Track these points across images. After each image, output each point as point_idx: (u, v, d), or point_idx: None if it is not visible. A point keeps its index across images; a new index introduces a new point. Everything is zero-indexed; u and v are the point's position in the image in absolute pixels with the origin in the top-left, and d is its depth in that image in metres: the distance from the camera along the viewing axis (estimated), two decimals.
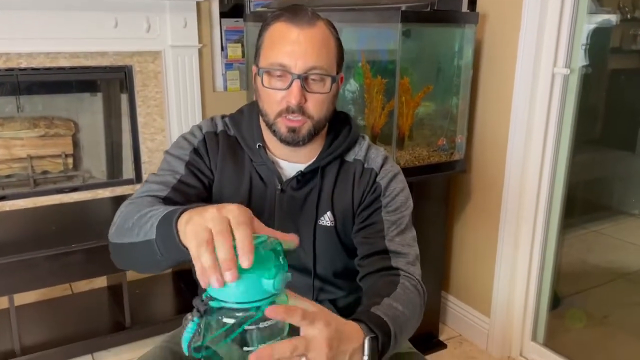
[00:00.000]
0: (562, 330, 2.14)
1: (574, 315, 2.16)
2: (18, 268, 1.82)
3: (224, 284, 0.64)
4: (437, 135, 2.09)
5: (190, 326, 0.68)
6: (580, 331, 2.14)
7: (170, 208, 0.80)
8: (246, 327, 0.66)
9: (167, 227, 0.76)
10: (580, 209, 2.11)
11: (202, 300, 0.68)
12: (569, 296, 2.15)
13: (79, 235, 1.96)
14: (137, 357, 2.03)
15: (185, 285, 2.40)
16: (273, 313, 0.65)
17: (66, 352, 2.00)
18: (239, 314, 0.66)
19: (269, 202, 1.07)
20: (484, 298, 2.18)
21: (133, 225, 0.87)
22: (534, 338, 2.13)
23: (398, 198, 1.08)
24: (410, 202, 1.11)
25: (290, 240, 0.73)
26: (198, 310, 0.68)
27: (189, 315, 0.68)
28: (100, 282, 2.44)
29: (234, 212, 0.67)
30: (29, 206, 2.41)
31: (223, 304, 0.66)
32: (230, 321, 0.66)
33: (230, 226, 0.66)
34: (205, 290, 0.68)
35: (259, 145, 1.07)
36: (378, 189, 1.08)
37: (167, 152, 1.09)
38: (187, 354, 0.68)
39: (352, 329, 0.77)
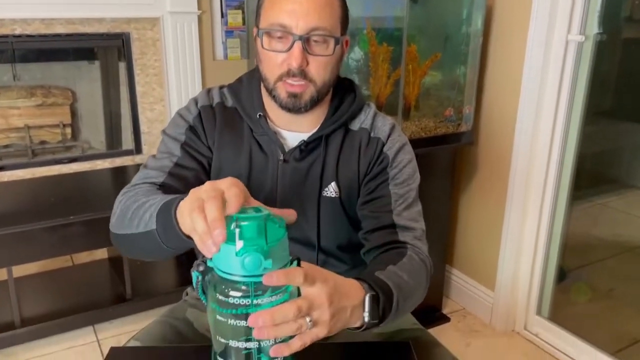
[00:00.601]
0: (567, 304, 2.12)
1: (579, 289, 2.14)
2: (16, 240, 1.79)
3: (219, 247, 0.62)
4: (444, 106, 2.03)
5: (193, 274, 0.69)
6: (585, 305, 2.12)
7: (168, 197, 0.80)
8: (255, 301, 0.64)
9: (167, 216, 0.76)
10: (587, 181, 2.06)
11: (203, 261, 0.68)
12: (574, 270, 2.12)
13: (78, 207, 1.92)
14: (138, 328, 2.02)
15: (187, 258, 2.37)
16: (271, 279, 0.62)
17: (67, 324, 1.99)
18: (245, 288, 0.64)
19: (271, 174, 1.02)
20: (489, 272, 2.16)
21: (132, 216, 0.85)
22: (539, 312, 2.11)
23: (406, 170, 1.04)
24: (418, 175, 1.07)
25: (288, 215, 0.71)
26: (198, 267, 0.69)
27: (194, 264, 0.69)
28: (101, 253, 2.42)
29: (226, 181, 0.67)
30: (28, 177, 2.37)
31: (226, 275, 0.64)
32: (237, 294, 0.64)
33: (222, 193, 0.65)
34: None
35: (259, 115, 1.02)
36: (385, 160, 1.03)
37: (164, 131, 1.06)
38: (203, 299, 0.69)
39: (352, 285, 0.75)
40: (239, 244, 0.63)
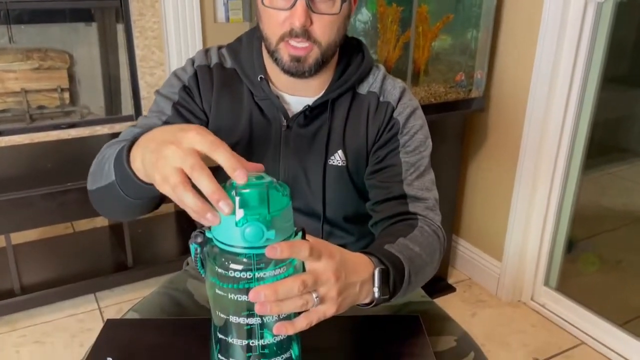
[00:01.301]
0: (575, 275, 2.08)
1: (587, 259, 2.10)
2: (14, 206, 1.75)
3: (220, 218, 0.58)
4: (454, 71, 1.95)
5: (191, 246, 0.65)
6: (593, 276, 2.08)
7: (123, 144, 0.73)
8: (257, 274, 0.59)
9: (122, 167, 0.71)
10: (597, 149, 2.00)
11: (201, 232, 0.64)
12: (582, 240, 2.08)
13: (77, 173, 1.87)
14: (140, 297, 2.00)
15: (188, 225, 2.34)
16: (275, 252, 0.57)
17: (68, 292, 1.97)
18: (246, 260, 0.59)
19: (274, 141, 0.96)
20: (496, 242, 2.11)
21: (97, 169, 0.82)
22: (546, 283, 2.08)
23: (417, 136, 0.98)
24: (430, 142, 1.01)
25: (259, 170, 0.64)
26: (196, 238, 0.64)
27: (192, 234, 0.65)
28: (102, 220, 2.38)
29: (196, 138, 0.60)
30: (26, 142, 2.32)
31: (226, 247, 0.59)
32: (238, 267, 0.59)
33: (195, 151, 0.59)
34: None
35: (260, 78, 0.96)
36: (395, 125, 0.97)
37: (157, 91, 0.99)
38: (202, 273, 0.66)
39: (360, 260, 0.71)
40: (239, 213, 0.57)
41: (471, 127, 2.12)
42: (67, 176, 1.85)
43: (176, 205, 2.52)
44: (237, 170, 0.57)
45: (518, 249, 2.04)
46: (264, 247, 0.58)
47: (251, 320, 0.62)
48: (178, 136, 0.60)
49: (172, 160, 0.59)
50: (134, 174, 0.69)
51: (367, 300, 0.72)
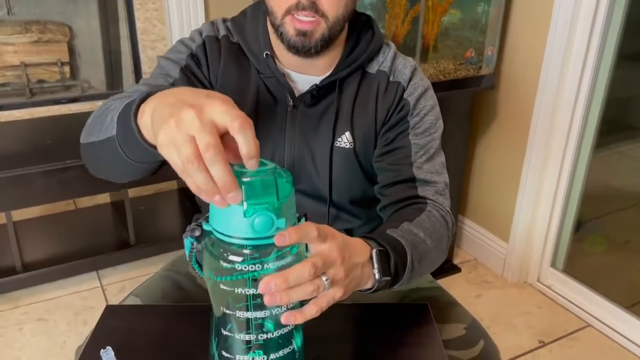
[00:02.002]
0: (582, 256, 2.06)
1: (594, 240, 2.07)
2: (13, 184, 1.72)
3: (227, 204, 0.54)
4: (463, 47, 1.89)
5: (187, 241, 0.62)
6: (600, 257, 2.06)
7: (134, 97, 0.65)
8: (264, 265, 0.56)
9: (127, 121, 0.63)
10: (609, 128, 1.95)
11: (198, 224, 0.61)
12: (589, 221, 2.04)
13: (77, 150, 1.83)
14: (143, 275, 1.99)
15: (191, 203, 2.31)
16: (284, 239, 0.54)
17: (70, 269, 1.96)
18: (248, 252, 0.56)
19: (279, 121, 0.92)
20: (503, 222, 2.08)
21: (96, 122, 0.75)
22: (553, 264, 2.05)
23: (427, 118, 0.94)
24: (441, 123, 0.97)
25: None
26: (192, 232, 0.62)
27: (187, 228, 0.62)
28: (104, 197, 2.36)
29: (220, 108, 0.53)
30: (26, 117, 2.28)
31: (228, 239, 0.56)
32: (238, 259, 0.56)
33: (217, 132, 0.53)
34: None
35: (266, 54, 0.91)
36: (406, 106, 0.93)
37: (161, 56, 0.94)
38: (188, 258, 0.63)
39: (357, 242, 0.68)
40: (246, 203, 0.54)
41: (480, 106, 2.07)
42: (67, 153, 1.82)
43: (179, 183, 2.48)
44: (254, 159, 0.54)
45: (525, 230, 2.01)
46: (269, 236, 0.55)
47: (253, 314, 0.59)
48: (201, 101, 0.54)
49: (188, 126, 0.52)
50: (139, 130, 0.62)
51: (369, 285, 0.69)
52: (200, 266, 0.63)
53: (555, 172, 1.91)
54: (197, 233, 0.61)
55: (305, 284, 0.57)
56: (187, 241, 0.62)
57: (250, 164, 0.54)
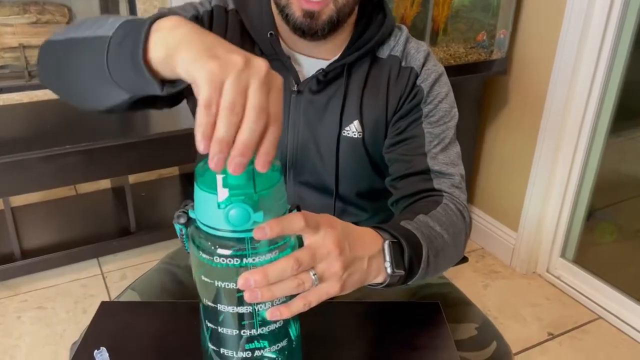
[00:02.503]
0: (593, 246, 2.01)
1: (605, 229, 2.03)
2: (11, 169, 1.68)
3: (223, 166, 0.49)
4: (474, 30, 1.82)
5: (175, 225, 0.61)
6: (611, 248, 2.01)
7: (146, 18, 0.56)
8: (248, 259, 0.52)
9: (136, 26, 0.54)
10: (623, 114, 1.89)
11: (184, 212, 0.59)
12: (600, 209, 1.99)
13: (76, 135, 1.79)
14: (144, 262, 1.96)
15: (193, 189, 2.27)
16: (263, 232, 0.50)
17: (70, 256, 1.92)
18: (233, 244, 0.52)
19: (283, 107, 0.87)
20: (513, 211, 2.03)
21: (85, 22, 0.64)
22: (563, 254, 2.00)
23: (442, 105, 0.89)
24: (456, 111, 0.92)
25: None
26: (179, 218, 0.61)
27: (175, 214, 0.61)
28: (105, 182, 2.32)
29: (265, 65, 0.50)
30: (25, 101, 2.23)
31: (210, 230, 0.52)
32: (225, 252, 0.52)
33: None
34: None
35: (270, 34, 0.86)
36: (419, 93, 0.87)
37: (163, 7, 0.88)
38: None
39: (367, 232, 0.63)
40: (222, 193, 0.50)
41: (491, 91, 2.01)
42: (66, 138, 1.77)
43: (181, 168, 2.42)
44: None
45: (535, 219, 1.96)
46: (252, 230, 0.50)
47: (242, 309, 0.55)
48: (247, 54, 0.50)
49: (252, 74, 0.48)
50: (145, 44, 0.53)
51: (379, 279, 0.63)
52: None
53: (568, 160, 1.85)
54: (183, 220, 0.59)
55: (288, 279, 0.52)
56: (176, 227, 0.60)
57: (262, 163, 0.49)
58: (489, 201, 2.16)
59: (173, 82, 0.55)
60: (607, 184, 1.94)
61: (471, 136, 1.97)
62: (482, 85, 1.90)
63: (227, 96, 0.47)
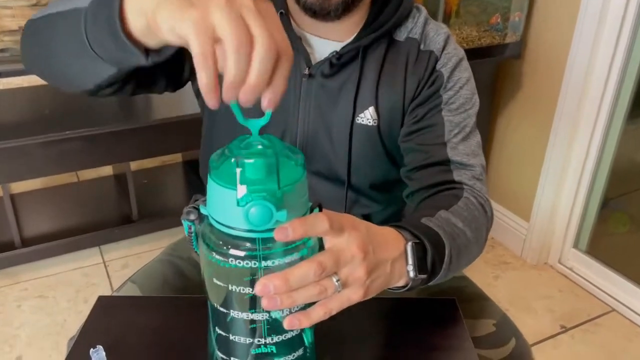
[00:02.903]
0: (607, 236, 1.96)
1: (618, 219, 1.97)
2: (9, 155, 1.64)
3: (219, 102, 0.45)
4: (487, 13, 1.76)
5: (184, 222, 0.56)
6: (625, 238, 1.97)
7: None
8: (264, 263, 0.48)
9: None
10: (637, 101, 1.82)
11: (195, 208, 0.54)
12: (614, 198, 1.93)
13: (77, 121, 1.74)
14: (146, 251, 1.92)
15: (197, 176, 2.22)
16: (285, 233, 0.46)
17: (72, 245, 1.89)
18: (249, 245, 0.48)
19: (292, 92, 0.82)
20: (525, 201, 1.98)
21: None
22: (576, 245, 1.95)
23: (463, 92, 0.83)
24: (477, 98, 0.87)
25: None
26: (188, 215, 0.56)
27: (184, 210, 0.57)
28: (107, 169, 2.27)
29: (249, 3, 0.45)
30: (24, 85, 2.18)
31: (225, 229, 0.48)
32: (240, 253, 0.48)
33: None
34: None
35: (281, 13, 0.80)
36: (439, 79, 0.82)
37: None
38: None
39: (389, 233, 0.59)
40: (242, 189, 0.46)
41: (504, 76, 1.94)
42: (67, 123, 1.72)
43: (184, 155, 2.37)
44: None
45: (548, 208, 1.91)
46: (272, 230, 0.46)
47: (256, 316, 0.51)
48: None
49: (228, 8, 0.43)
50: (121, 10, 0.51)
51: (401, 283, 0.59)
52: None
53: (584, 147, 1.79)
54: (193, 217, 0.54)
55: (309, 286, 0.48)
56: (185, 224, 0.56)
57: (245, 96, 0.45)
58: (500, 190, 2.10)
59: (159, 51, 0.52)
60: (623, 173, 1.88)
61: (482, 122, 1.90)
62: (495, 70, 1.84)
63: (224, 34, 0.43)
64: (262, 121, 0.49)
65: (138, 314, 0.75)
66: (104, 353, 0.65)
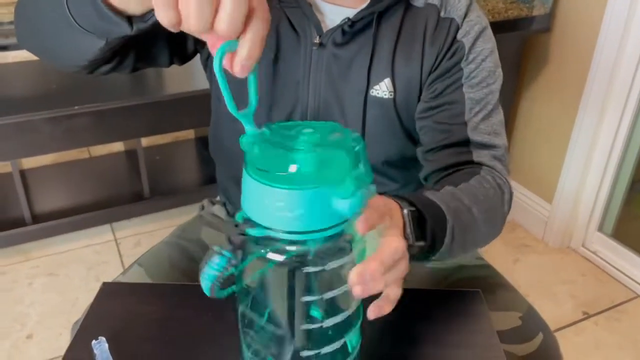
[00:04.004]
0: (633, 219, 1.88)
1: None
2: (18, 130, 1.60)
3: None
4: None
5: (217, 261, 0.45)
6: None
7: None
8: (306, 270, 0.45)
9: None
10: None
11: (237, 226, 0.45)
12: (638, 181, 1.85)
13: (86, 95, 1.70)
14: (158, 229, 1.89)
15: (209, 155, 2.18)
16: (366, 224, 0.44)
17: (83, 222, 1.86)
18: (292, 248, 0.44)
19: (302, 62, 0.76)
20: (548, 182, 1.91)
21: None
22: (601, 228, 1.88)
23: (485, 65, 0.78)
24: (500, 71, 0.81)
25: None
26: (231, 242, 0.45)
27: (215, 247, 0.46)
28: (119, 145, 2.24)
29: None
30: (34, 58, 2.14)
31: (268, 233, 0.43)
32: (279, 258, 0.44)
33: None
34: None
35: None
36: (460, 50, 0.76)
37: None
38: (207, 294, 0.47)
39: (389, 202, 0.57)
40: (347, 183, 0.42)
41: (531, 51, 1.85)
42: (75, 98, 1.68)
43: (196, 131, 2.32)
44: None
45: (573, 190, 1.83)
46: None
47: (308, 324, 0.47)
48: None
49: None
50: None
51: None
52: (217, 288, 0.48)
53: (613, 128, 1.71)
54: (238, 241, 0.45)
55: (399, 262, 0.48)
56: (223, 258, 0.45)
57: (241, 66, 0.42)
58: (522, 170, 2.03)
59: (142, 17, 0.50)
60: None
61: (507, 99, 1.83)
62: (521, 44, 1.75)
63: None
64: (250, 109, 0.44)
65: (143, 301, 0.72)
66: (106, 345, 0.62)
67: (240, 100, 0.43)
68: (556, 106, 1.84)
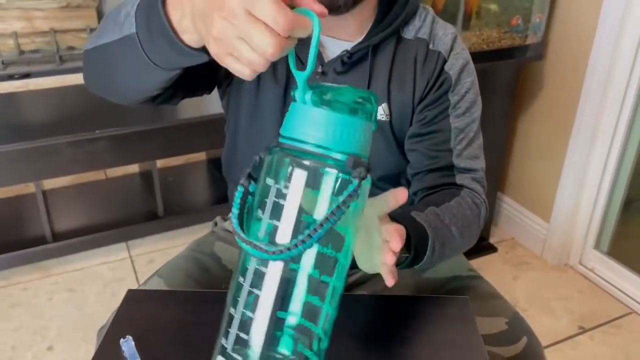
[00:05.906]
0: (629, 238, 1.94)
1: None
2: (41, 154, 1.70)
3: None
4: (508, 14, 1.76)
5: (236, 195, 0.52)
6: None
7: None
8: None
9: (153, 13, 0.58)
10: None
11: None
12: (636, 200, 1.92)
13: (105, 120, 1.80)
14: (172, 247, 1.97)
15: (221, 174, 2.27)
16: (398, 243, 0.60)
17: (99, 240, 1.95)
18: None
19: None
20: (545, 200, 1.98)
21: (108, 21, 0.68)
22: (597, 246, 1.94)
23: (468, 96, 0.87)
24: (480, 100, 0.90)
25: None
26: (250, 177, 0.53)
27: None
28: (134, 167, 2.34)
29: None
30: (55, 85, 2.25)
31: (298, 144, 0.51)
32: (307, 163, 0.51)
33: None
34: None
35: None
36: (447, 81, 0.85)
37: None
38: (237, 229, 0.51)
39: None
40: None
41: (525, 77, 1.94)
42: (96, 123, 1.78)
43: (208, 153, 2.40)
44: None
45: (569, 209, 1.91)
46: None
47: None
48: None
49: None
50: (169, 20, 0.57)
51: None
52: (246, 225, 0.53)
53: (605, 147, 1.79)
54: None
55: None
56: (239, 192, 0.52)
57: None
58: (520, 190, 2.11)
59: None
60: None
61: (503, 123, 1.91)
62: (516, 71, 1.84)
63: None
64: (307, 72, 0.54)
65: (164, 307, 0.79)
66: (133, 343, 0.70)
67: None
68: (551, 128, 1.92)
